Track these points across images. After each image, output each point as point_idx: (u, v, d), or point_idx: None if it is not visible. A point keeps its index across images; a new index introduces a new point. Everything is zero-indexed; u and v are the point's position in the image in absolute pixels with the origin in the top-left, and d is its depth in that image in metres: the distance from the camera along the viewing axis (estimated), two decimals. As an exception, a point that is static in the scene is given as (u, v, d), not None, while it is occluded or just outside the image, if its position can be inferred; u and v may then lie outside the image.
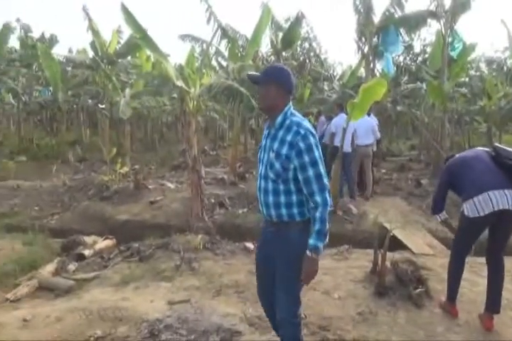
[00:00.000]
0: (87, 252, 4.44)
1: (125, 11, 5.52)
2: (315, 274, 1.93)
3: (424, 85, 11.94)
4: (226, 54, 10.87)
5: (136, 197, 6.61)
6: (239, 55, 10.13)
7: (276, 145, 1.97)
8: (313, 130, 1.98)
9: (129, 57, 13.64)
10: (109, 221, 5.82)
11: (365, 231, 5.37)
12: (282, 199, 1.98)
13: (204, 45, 10.95)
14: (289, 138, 1.93)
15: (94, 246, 4.68)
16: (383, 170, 9.74)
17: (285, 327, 2.09)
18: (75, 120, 18.56)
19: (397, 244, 4.64)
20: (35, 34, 15.99)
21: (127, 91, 11.43)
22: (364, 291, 3.37)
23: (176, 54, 27.45)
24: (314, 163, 1.90)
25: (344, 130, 5.70)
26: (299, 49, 17.59)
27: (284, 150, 1.93)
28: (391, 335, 2.81)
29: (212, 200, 6.42)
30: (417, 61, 17.05)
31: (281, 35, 10.85)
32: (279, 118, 1.99)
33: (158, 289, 3.54)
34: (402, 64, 14.18)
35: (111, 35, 13.19)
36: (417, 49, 17.70)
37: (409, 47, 16.98)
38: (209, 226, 5.29)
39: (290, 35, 10.48)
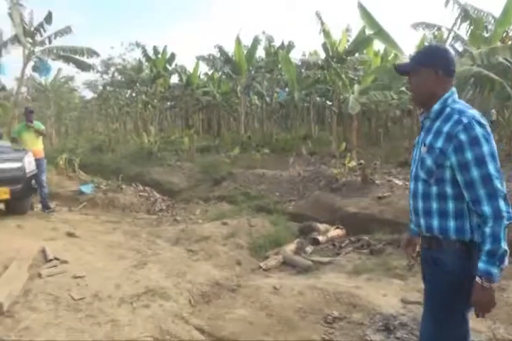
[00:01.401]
0: (321, 238, 4.85)
1: (361, 8, 5.64)
2: (490, 306, 1.50)
3: None
4: (466, 38, 9.60)
5: (363, 191, 6.72)
6: (483, 37, 8.77)
7: (429, 137, 1.61)
8: (482, 119, 1.53)
9: (356, 54, 13.89)
10: (338, 211, 6.14)
11: None
12: (434, 205, 1.58)
13: (436, 32, 10.02)
14: (446, 128, 1.53)
15: (326, 233, 5.06)
16: None
17: None
18: (305, 117, 20.36)
19: None
20: (277, 43, 18.31)
21: (356, 87, 11.67)
22: None
23: (404, 44, 26.09)
24: (481, 161, 1.45)
25: None
26: None
27: (439, 144, 1.54)
28: None
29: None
30: None
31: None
32: (436, 106, 1.61)
33: (390, 285, 3.53)
34: None
35: (340, 34, 13.77)
36: None
37: None
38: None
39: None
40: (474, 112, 1.55)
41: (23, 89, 17.20)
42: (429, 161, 1.58)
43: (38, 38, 13.69)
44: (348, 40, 13.96)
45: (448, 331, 1.62)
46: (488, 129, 1.52)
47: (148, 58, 18.60)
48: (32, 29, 13.47)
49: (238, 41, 16.31)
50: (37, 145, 6.30)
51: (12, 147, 5.96)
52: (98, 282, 3.57)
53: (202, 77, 21.48)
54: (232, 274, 3.88)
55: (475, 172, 1.46)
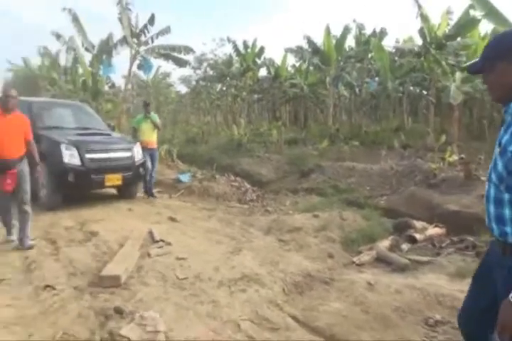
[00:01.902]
0: (418, 236, 4.59)
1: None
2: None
3: None
4: None
5: (466, 187, 6.18)
6: None
7: (506, 137, 1.38)
8: None
9: (458, 39, 12.66)
10: (437, 209, 5.74)
11: None
12: (507, 212, 1.39)
13: None
14: None
15: (424, 231, 4.77)
16: None
17: None
18: (397, 108, 19.25)
19: None
20: (368, 30, 17.49)
21: (457, 74, 10.69)
22: None
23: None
24: None
25: None
26: None
27: None
28: None
29: None
30: None
31: None
32: None
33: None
34: None
35: (439, 18, 12.65)
36: None
37: None
38: None
39: None
40: None
41: (129, 86, 18.91)
42: (500, 165, 1.39)
43: (143, 38, 14.95)
44: (448, 24, 12.78)
45: None
46: None
47: (238, 53, 19.15)
48: (137, 31, 14.74)
49: (327, 31, 15.95)
50: (152, 136, 6.74)
51: (127, 137, 6.69)
52: (199, 264, 3.85)
53: (289, 69, 21.51)
54: (324, 267, 3.88)
55: None
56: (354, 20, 17.51)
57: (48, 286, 3.25)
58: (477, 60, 1.55)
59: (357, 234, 4.66)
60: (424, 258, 4.00)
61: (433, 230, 4.82)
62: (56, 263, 3.63)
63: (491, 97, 1.61)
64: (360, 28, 17.68)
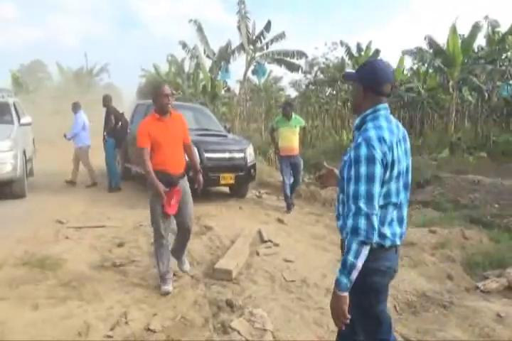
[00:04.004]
0: None
1: None
2: (338, 315, 1.56)
3: None
4: None
5: None
6: None
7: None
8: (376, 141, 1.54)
9: None
10: None
11: None
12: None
13: None
14: None
15: None
16: None
17: None
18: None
19: None
20: (503, 28, 15.50)
21: None
22: None
23: None
24: (356, 179, 1.55)
25: None
26: None
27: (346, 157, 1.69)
28: None
29: None
30: None
31: None
32: (357, 121, 1.71)
33: None
34: None
35: None
36: None
37: None
38: None
39: None
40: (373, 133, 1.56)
41: (243, 90, 19.93)
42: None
43: (258, 44, 15.62)
44: None
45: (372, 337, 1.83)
46: (378, 151, 1.52)
47: (351, 56, 18.72)
48: (254, 37, 15.45)
49: (453, 29, 14.60)
50: (291, 141, 5.74)
51: (241, 139, 6.84)
52: (305, 269, 3.83)
53: (405, 72, 20.26)
54: (442, 288, 3.53)
55: (351, 188, 1.55)
56: (486, 17, 15.68)
57: (169, 272, 3.58)
58: (354, 72, 1.79)
59: (482, 256, 4.14)
60: None
61: None
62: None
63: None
64: (494, 25, 15.79)
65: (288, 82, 31.75)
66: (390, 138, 1.57)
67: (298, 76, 30.26)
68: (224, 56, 16.23)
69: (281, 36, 15.49)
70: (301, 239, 4.72)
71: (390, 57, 18.76)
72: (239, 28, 15.10)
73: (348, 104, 20.02)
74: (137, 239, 4.42)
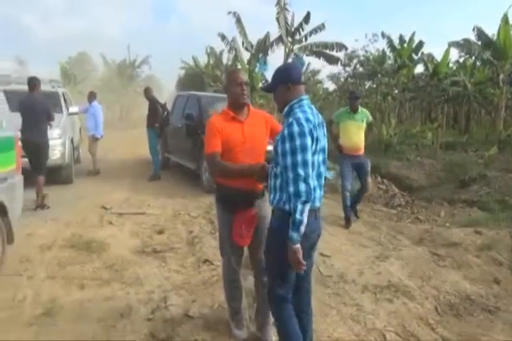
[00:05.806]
0: None
1: None
2: (295, 263, 1.89)
3: None
4: None
5: None
6: None
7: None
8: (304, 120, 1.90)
9: None
10: None
11: None
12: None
13: None
14: None
15: None
16: None
17: None
18: None
19: None
20: None
21: None
22: None
23: None
24: (292, 152, 1.88)
25: None
26: None
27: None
28: None
29: None
30: None
31: None
32: (286, 109, 2.05)
33: None
34: None
35: None
36: None
37: None
38: None
39: None
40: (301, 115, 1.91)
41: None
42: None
43: (297, 36, 15.38)
44: None
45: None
46: (306, 128, 1.85)
47: (393, 48, 18.02)
48: (292, 29, 15.22)
49: (505, 19, 13.68)
50: (355, 139, 4.84)
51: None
52: (342, 264, 3.78)
53: (451, 65, 19.28)
54: (487, 292, 3.37)
55: (288, 159, 1.83)
56: (542, 6, 14.57)
57: (206, 261, 3.64)
58: (269, 82, 2.12)
59: None
60: None
61: None
62: (213, 241, 4.02)
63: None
64: (552, 14, 14.67)
65: (326, 75, 31.18)
66: (313, 120, 1.92)
67: (336, 69, 29.63)
68: (262, 48, 16.11)
69: (320, 28, 15.16)
70: (337, 234, 4.66)
71: (435, 49, 17.90)
72: (278, 19, 14.90)
73: (389, 97, 19.41)
74: (176, 227, 4.52)
